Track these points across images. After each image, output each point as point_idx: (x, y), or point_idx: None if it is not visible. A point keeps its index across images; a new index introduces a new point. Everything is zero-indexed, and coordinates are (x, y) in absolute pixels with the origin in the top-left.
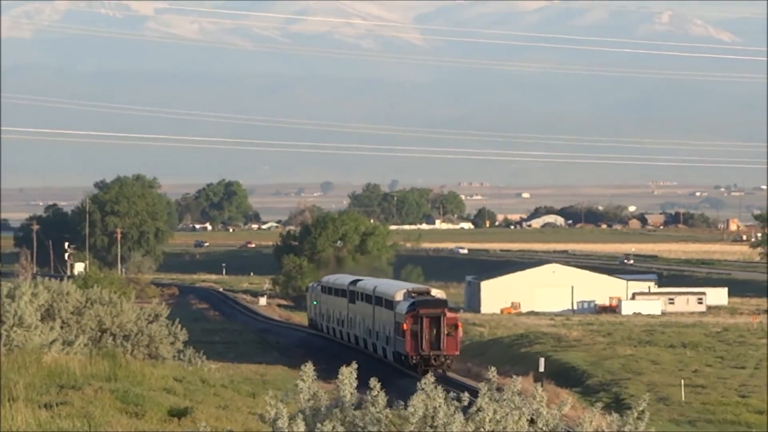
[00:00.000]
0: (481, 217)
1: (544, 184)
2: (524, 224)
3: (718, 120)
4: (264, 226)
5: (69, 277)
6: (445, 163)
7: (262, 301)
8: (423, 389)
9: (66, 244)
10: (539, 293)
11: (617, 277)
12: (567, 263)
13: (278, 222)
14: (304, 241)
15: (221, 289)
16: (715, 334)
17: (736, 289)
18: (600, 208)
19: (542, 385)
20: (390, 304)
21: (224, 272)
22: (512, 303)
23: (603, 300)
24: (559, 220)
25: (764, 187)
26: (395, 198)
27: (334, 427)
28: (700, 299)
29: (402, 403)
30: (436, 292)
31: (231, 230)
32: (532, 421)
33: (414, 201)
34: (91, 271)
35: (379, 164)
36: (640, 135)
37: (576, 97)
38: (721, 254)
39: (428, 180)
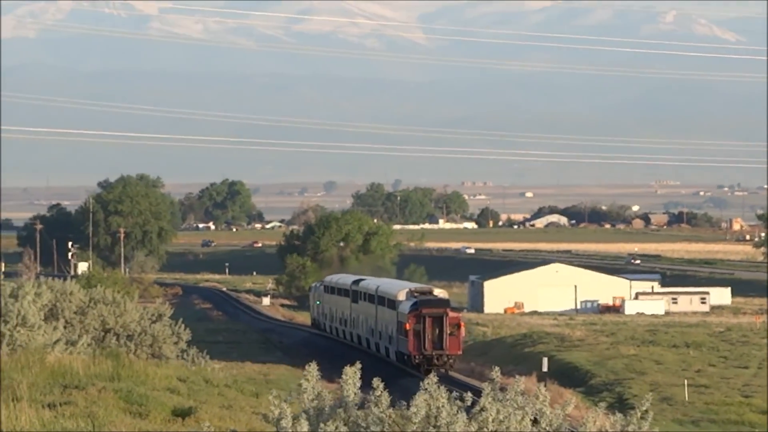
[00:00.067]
0: (484, 217)
1: (547, 183)
2: (527, 224)
3: (723, 119)
4: (267, 226)
5: (72, 277)
6: (448, 163)
7: (266, 300)
8: (426, 389)
9: (69, 243)
10: (542, 293)
11: (620, 277)
12: (570, 263)
13: (281, 221)
14: (308, 241)
15: (224, 289)
16: (718, 333)
17: (740, 288)
18: (603, 207)
19: (545, 385)
20: (393, 303)
21: (227, 272)
22: (515, 303)
23: (606, 300)
24: (563, 220)
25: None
26: (398, 198)
27: (337, 427)
28: (704, 299)
29: (405, 402)
30: (439, 292)
31: (234, 230)
32: (535, 421)
33: (417, 201)
34: (94, 270)
35: (382, 164)
36: (644, 135)
37: (580, 97)
38: (725, 254)
39: (432, 179)
